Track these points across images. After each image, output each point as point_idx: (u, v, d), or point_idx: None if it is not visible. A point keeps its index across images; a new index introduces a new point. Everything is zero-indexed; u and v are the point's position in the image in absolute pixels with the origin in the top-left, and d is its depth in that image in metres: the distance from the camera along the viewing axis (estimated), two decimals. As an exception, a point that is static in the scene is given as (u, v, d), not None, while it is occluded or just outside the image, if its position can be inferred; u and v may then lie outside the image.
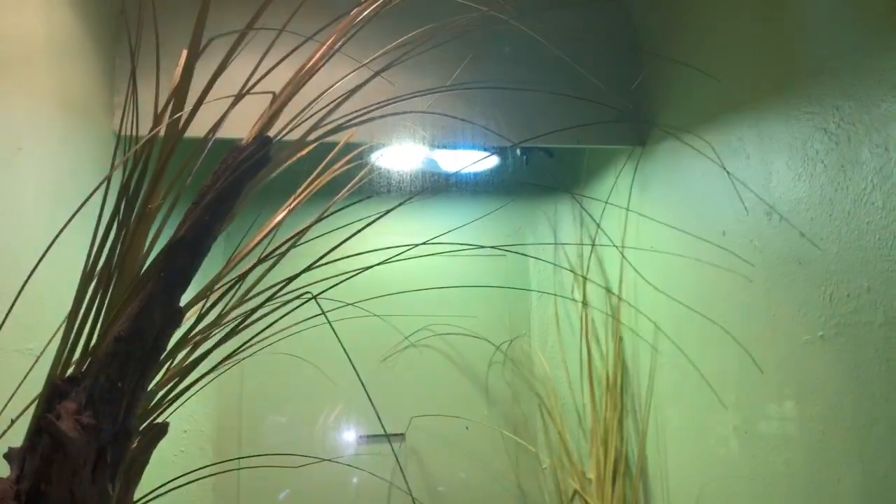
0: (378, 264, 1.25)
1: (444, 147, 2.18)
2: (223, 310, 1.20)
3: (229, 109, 1.07)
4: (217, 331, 1.18)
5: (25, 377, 1.06)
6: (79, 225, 1.03)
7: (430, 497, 2.55)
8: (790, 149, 1.55)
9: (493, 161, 2.57)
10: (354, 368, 1.05)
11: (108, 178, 1.00)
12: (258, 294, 1.19)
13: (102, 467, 0.84)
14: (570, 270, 2.59)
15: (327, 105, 1.17)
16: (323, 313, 1.07)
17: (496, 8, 1.30)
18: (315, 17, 1.16)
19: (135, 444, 1.06)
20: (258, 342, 1.25)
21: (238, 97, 1.10)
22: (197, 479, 1.25)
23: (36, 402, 0.95)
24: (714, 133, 1.83)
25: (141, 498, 1.09)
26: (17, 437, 0.92)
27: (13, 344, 1.40)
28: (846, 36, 1.43)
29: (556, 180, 2.69)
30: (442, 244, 1.26)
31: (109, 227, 1.03)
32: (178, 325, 0.91)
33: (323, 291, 1.09)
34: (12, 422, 0.98)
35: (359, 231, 1.16)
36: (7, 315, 1.00)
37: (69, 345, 0.99)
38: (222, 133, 1.10)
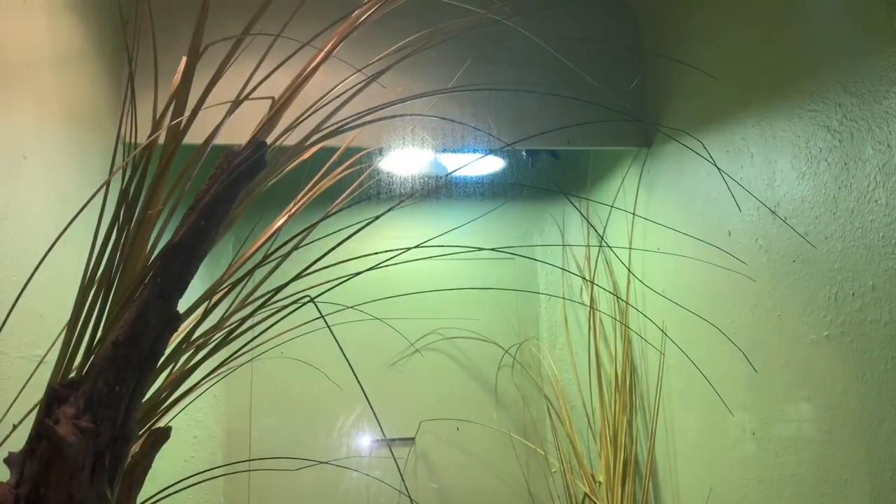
0: (378, 265, 1.25)
1: (449, 151, 2.18)
2: (225, 313, 1.21)
3: (228, 114, 1.08)
4: (219, 334, 1.18)
5: (27, 382, 1.07)
6: (84, 232, 1.04)
7: (440, 501, 2.54)
8: (793, 147, 1.54)
9: (499, 164, 2.57)
10: (354, 373, 1.05)
11: (107, 184, 1.01)
12: (260, 297, 1.20)
13: (101, 471, 0.85)
14: (577, 275, 2.59)
15: (328, 104, 1.17)
16: (322, 317, 1.07)
17: (496, 11, 1.30)
18: (313, 22, 1.16)
19: (137, 449, 1.07)
20: (259, 346, 1.25)
21: (236, 102, 1.10)
22: (197, 483, 1.26)
23: (37, 407, 0.96)
24: (717, 133, 1.82)
25: (143, 502, 1.10)
26: (20, 443, 0.93)
27: (19, 351, 1.41)
28: (847, 33, 1.42)
29: (561, 183, 2.68)
30: (450, 246, 1.26)
31: (109, 232, 1.04)
32: (175, 329, 0.92)
33: (319, 295, 1.09)
34: (14, 427, 0.99)
35: (358, 231, 1.16)
36: (5, 320, 1.01)
37: (70, 350, 0.99)
38: (223, 139, 1.10)
